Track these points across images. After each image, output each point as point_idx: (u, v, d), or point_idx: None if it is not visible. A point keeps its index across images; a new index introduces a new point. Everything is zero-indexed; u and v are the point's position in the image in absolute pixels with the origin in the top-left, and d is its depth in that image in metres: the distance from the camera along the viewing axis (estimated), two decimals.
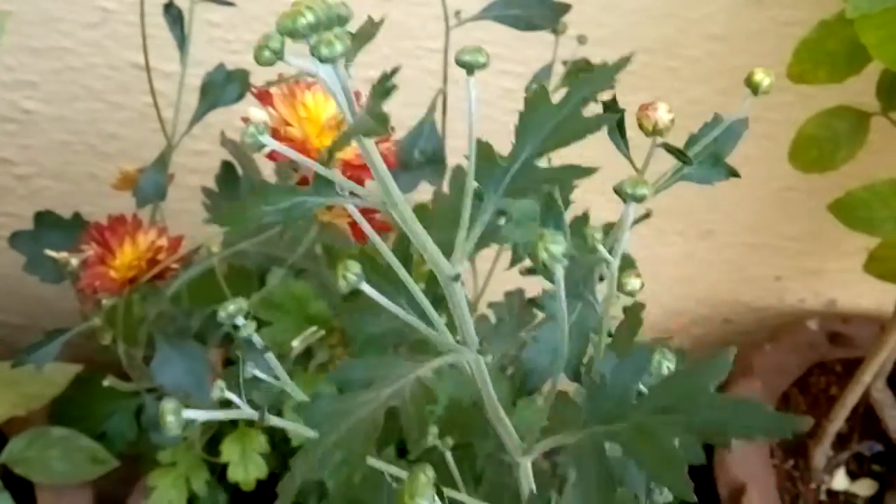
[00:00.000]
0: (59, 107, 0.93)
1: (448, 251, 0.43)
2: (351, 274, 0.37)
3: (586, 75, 0.37)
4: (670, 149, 0.40)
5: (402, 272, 0.39)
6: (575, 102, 0.36)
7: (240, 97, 0.68)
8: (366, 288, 0.37)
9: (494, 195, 0.37)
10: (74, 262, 0.58)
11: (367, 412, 0.36)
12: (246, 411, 0.43)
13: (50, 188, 0.99)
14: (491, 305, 0.69)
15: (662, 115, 0.39)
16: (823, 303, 1.12)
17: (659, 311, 1.12)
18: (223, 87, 0.67)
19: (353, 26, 0.35)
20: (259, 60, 0.34)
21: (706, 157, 0.41)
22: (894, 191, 0.74)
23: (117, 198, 0.77)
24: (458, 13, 0.71)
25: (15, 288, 0.98)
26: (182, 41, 0.65)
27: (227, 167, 0.76)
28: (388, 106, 0.40)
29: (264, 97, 0.54)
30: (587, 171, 0.35)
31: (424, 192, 0.76)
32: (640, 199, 0.39)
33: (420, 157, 0.75)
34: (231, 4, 0.63)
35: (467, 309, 0.38)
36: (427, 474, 0.34)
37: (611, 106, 0.43)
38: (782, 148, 0.95)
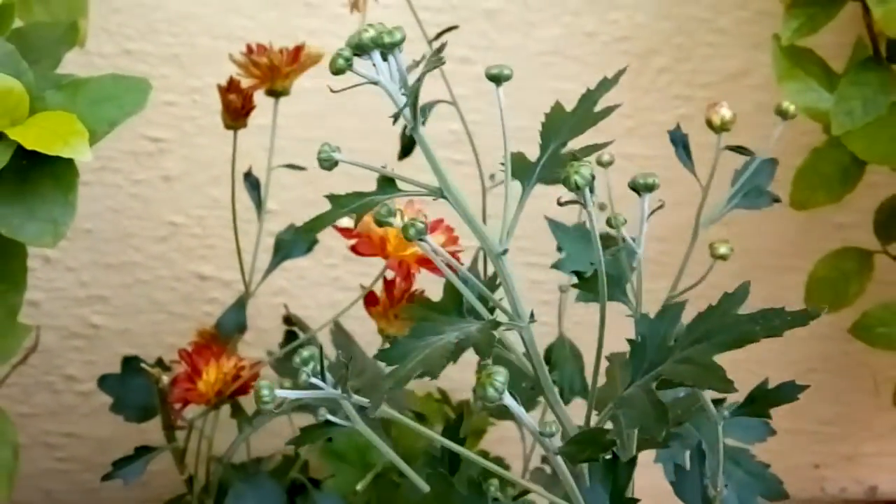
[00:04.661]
0: (125, 320, 1.00)
1: None
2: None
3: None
4: (733, 148, 0.47)
5: None
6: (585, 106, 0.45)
7: (308, 250, 0.76)
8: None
9: None
10: (165, 379, 0.63)
11: (439, 345, 0.42)
12: None
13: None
14: None
15: (725, 112, 0.48)
16: (865, 490, 1.12)
17: None
18: (293, 242, 0.75)
19: None
20: (333, 69, 0.40)
21: (750, 189, 0.48)
22: None
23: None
24: (492, 175, 0.80)
25: None
26: (259, 205, 0.74)
27: (289, 336, 0.83)
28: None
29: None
30: (603, 145, 0.44)
31: None
32: (651, 189, 0.46)
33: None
34: (303, 169, 0.73)
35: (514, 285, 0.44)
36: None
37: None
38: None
